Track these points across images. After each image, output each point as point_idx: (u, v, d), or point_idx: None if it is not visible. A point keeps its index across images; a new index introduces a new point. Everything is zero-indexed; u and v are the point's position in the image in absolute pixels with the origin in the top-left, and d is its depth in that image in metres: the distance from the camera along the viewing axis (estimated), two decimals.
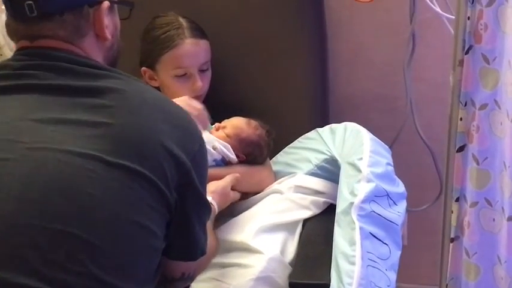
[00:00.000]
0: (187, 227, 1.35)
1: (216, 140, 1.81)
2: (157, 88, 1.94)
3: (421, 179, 2.18)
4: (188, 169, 1.29)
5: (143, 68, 1.97)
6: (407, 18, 2.12)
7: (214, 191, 1.72)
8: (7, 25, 1.39)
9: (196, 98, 1.90)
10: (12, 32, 1.38)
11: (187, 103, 1.70)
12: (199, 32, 1.95)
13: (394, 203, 1.71)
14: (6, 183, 1.18)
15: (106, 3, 1.39)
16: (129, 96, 1.30)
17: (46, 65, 1.31)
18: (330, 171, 1.86)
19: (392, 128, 2.20)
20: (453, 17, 1.91)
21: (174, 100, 1.43)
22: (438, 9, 2.02)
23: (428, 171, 2.23)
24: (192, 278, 1.49)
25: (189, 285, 1.52)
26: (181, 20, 1.94)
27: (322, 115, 2.08)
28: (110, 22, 1.41)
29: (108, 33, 1.40)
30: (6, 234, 1.16)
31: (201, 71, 1.94)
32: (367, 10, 2.15)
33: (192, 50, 1.92)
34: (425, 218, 2.21)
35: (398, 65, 2.18)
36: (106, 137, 1.23)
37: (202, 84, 1.93)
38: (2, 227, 1.16)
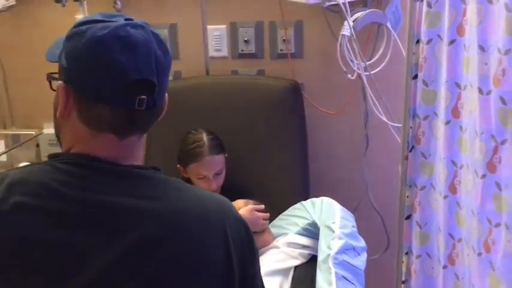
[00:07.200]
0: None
1: None
2: (189, 178, 1.94)
3: (374, 236, 2.11)
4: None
5: (178, 166, 1.96)
6: (362, 124, 2.15)
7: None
8: (98, 116, 0.98)
9: (214, 190, 1.89)
10: (101, 121, 0.98)
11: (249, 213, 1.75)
12: (216, 148, 1.92)
13: (358, 253, 1.67)
14: None
15: None
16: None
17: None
18: (311, 231, 1.82)
19: (354, 200, 2.19)
20: (395, 124, 1.94)
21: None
22: (384, 119, 2.04)
23: (379, 231, 2.21)
24: None
25: None
26: (205, 138, 1.91)
27: (304, 192, 2.05)
28: None
29: None
30: None
31: (216, 174, 1.92)
32: (334, 119, 2.17)
33: (209, 164, 1.90)
34: (377, 264, 2.16)
35: (357, 156, 2.19)
36: None
37: (216, 184, 1.91)
38: None
